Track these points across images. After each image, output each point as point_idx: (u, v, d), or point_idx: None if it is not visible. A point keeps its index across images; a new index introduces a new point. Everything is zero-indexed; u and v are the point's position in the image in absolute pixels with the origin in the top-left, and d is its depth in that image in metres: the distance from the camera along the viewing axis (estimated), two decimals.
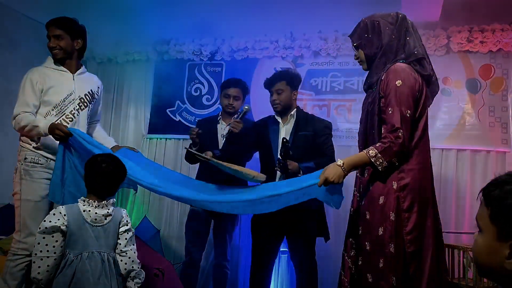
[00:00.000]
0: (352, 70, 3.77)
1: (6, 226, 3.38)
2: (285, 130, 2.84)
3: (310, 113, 3.06)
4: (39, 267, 1.92)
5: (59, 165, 2.36)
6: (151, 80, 4.38)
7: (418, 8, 3.24)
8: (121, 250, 2.02)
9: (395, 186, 1.89)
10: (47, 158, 2.47)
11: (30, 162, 2.46)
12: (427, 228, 1.89)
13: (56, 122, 2.36)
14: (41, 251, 1.92)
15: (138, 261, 2.05)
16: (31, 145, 2.48)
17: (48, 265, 1.92)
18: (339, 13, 3.54)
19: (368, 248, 1.93)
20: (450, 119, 3.52)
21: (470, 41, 3.47)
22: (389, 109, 1.90)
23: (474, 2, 3.32)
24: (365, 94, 2.18)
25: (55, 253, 1.94)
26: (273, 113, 2.97)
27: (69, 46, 2.60)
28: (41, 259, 1.92)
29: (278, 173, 2.68)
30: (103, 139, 2.74)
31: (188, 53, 4.21)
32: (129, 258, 2.00)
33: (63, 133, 2.30)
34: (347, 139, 3.64)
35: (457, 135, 3.49)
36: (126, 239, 2.01)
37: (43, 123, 2.36)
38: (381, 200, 1.91)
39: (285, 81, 2.83)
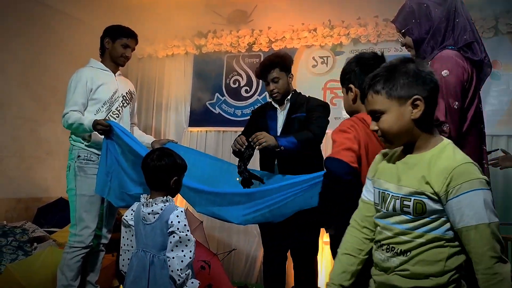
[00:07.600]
0: (393, 56, 3.61)
1: (59, 219, 3.56)
2: (282, 115, 2.69)
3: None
4: (123, 259, 1.97)
5: (103, 160, 2.47)
6: (190, 74, 4.44)
7: None
8: (165, 255, 1.82)
9: None
10: (98, 155, 2.58)
11: (84, 160, 2.59)
12: None
13: (98, 119, 2.46)
14: (124, 244, 1.97)
15: (185, 270, 1.79)
16: (83, 143, 2.60)
17: (128, 259, 1.93)
18: None
19: None
20: (499, 104, 3.37)
21: None
22: None
23: None
24: None
25: (132, 247, 1.94)
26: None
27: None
28: (125, 252, 1.96)
29: (276, 163, 2.60)
30: (141, 137, 2.83)
31: (226, 45, 4.23)
32: (169, 266, 1.79)
33: (104, 126, 2.40)
34: None
35: (508, 120, 3.33)
36: (170, 242, 1.80)
37: (87, 121, 2.47)
38: None
39: (278, 67, 2.62)
